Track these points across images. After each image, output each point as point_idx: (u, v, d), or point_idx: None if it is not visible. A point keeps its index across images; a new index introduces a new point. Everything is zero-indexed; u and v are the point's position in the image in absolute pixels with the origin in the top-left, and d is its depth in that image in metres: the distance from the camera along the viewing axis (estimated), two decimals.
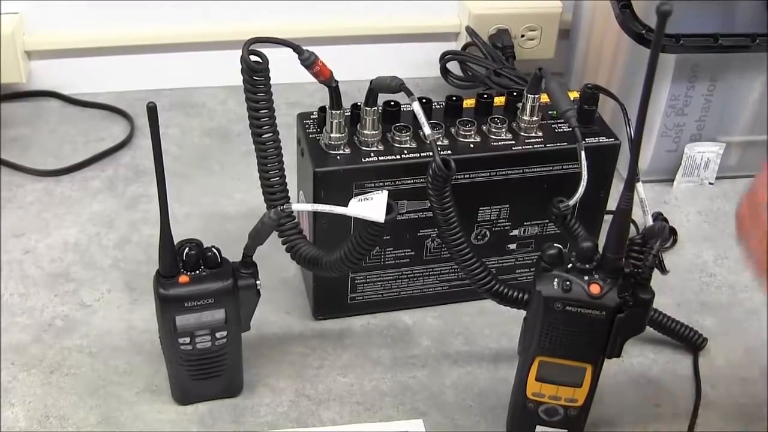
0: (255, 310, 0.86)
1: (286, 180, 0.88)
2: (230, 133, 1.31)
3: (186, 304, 0.82)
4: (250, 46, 0.83)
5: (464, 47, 1.39)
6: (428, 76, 1.42)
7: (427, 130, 0.81)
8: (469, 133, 0.94)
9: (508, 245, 1.00)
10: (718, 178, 1.26)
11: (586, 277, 0.75)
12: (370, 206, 0.77)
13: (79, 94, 1.37)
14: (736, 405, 0.94)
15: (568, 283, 0.75)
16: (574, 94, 0.99)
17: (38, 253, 1.08)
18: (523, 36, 1.41)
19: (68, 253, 1.08)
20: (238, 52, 0.83)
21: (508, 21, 1.39)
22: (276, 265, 1.02)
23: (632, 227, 1.06)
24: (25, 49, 1.32)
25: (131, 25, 1.35)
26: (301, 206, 0.88)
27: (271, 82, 0.85)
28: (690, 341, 0.99)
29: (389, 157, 0.91)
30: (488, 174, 0.94)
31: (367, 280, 0.99)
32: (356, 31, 1.41)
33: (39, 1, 1.30)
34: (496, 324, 1.01)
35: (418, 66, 1.43)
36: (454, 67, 1.36)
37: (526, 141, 0.95)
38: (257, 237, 0.82)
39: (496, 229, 0.98)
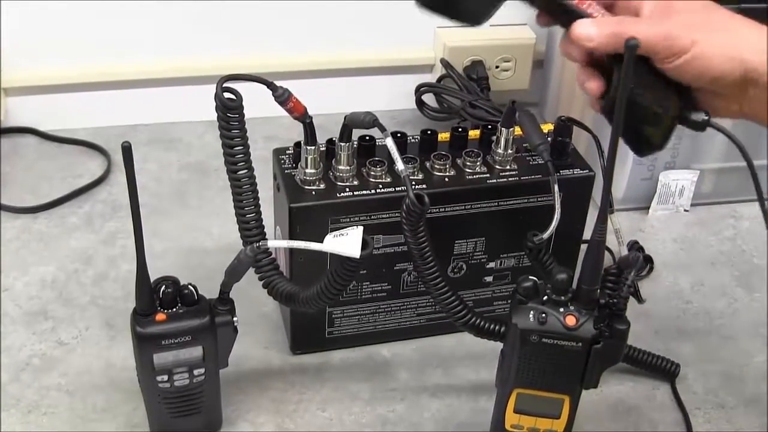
0: (233, 346, 0.86)
1: (263, 215, 0.88)
2: (208, 168, 1.31)
3: (163, 342, 0.82)
4: (223, 84, 0.83)
5: (439, 79, 1.39)
6: (404, 108, 1.43)
7: (399, 165, 0.81)
8: (443, 167, 0.94)
9: (485, 278, 1.01)
10: (693, 205, 1.27)
11: (561, 309, 0.76)
12: (346, 242, 0.78)
13: (56, 131, 1.37)
14: None
15: (543, 315, 0.76)
16: (548, 127, 1.00)
17: (16, 290, 1.08)
18: (497, 67, 1.42)
19: (46, 290, 1.08)
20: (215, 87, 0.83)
21: (483, 52, 1.40)
22: (254, 300, 1.02)
23: (608, 256, 1.07)
24: (1, 85, 1.32)
25: (108, 61, 1.35)
26: (276, 243, 0.88)
27: (247, 116, 0.85)
28: (664, 370, 0.99)
29: (364, 192, 0.92)
30: (463, 207, 0.94)
31: (345, 314, 0.99)
32: (332, 65, 1.41)
33: (15, 37, 1.30)
34: (475, 356, 1.02)
35: (393, 98, 1.44)
36: (429, 99, 1.37)
37: (501, 174, 0.95)
38: (234, 274, 0.82)
39: (473, 261, 0.99)
